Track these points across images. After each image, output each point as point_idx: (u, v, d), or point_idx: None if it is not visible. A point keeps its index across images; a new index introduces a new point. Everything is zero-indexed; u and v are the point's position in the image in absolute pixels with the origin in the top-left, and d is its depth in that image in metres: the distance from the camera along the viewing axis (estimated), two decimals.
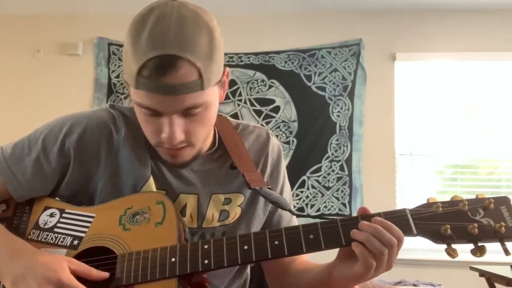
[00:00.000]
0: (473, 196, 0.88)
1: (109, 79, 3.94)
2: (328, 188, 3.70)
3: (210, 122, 0.97)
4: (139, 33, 0.85)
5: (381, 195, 3.61)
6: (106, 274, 0.89)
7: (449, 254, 0.83)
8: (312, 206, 3.69)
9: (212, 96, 0.92)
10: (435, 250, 3.12)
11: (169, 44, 0.83)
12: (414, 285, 3.07)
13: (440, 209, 0.85)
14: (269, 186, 1.05)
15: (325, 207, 3.69)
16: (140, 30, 0.86)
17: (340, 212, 3.67)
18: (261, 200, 1.07)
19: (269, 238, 0.88)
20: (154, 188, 1.00)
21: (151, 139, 0.96)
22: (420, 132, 3.79)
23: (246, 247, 0.88)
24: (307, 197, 3.70)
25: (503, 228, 0.82)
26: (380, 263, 0.84)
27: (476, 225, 0.83)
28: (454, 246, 0.84)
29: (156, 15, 0.86)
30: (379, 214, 0.87)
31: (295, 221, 1.13)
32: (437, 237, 0.84)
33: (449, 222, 0.84)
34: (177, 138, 0.90)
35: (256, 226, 1.08)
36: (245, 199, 1.06)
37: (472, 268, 2.90)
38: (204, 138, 0.98)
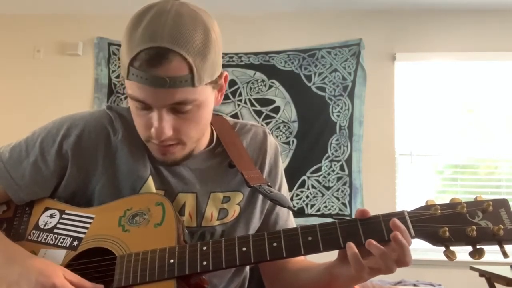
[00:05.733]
0: (473, 196, 0.88)
1: (109, 79, 3.94)
2: (328, 188, 3.70)
3: (203, 122, 0.96)
4: (136, 28, 0.87)
5: (381, 195, 3.62)
6: (100, 286, 0.89)
7: (447, 256, 0.83)
8: (312, 206, 3.69)
9: (205, 96, 0.92)
10: (435, 250, 3.08)
11: (162, 38, 0.84)
12: (414, 285, 3.07)
13: (439, 211, 0.85)
14: (269, 183, 1.05)
15: (325, 207, 3.69)
16: (137, 25, 0.87)
17: (340, 212, 3.67)
18: (260, 198, 1.07)
19: (268, 240, 0.88)
20: (153, 189, 1.00)
21: (141, 133, 0.96)
22: (420, 132, 3.79)
23: (244, 248, 0.88)
24: (307, 197, 3.70)
25: (502, 231, 0.82)
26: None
27: (474, 227, 0.83)
28: (452, 248, 0.83)
29: (154, 11, 0.88)
30: (377, 217, 0.87)
31: (292, 220, 1.14)
32: (435, 239, 0.84)
33: (447, 224, 0.84)
34: (165, 133, 0.90)
35: (255, 224, 1.08)
36: (244, 197, 1.06)
37: (472, 268, 2.90)
38: (197, 138, 0.98)
